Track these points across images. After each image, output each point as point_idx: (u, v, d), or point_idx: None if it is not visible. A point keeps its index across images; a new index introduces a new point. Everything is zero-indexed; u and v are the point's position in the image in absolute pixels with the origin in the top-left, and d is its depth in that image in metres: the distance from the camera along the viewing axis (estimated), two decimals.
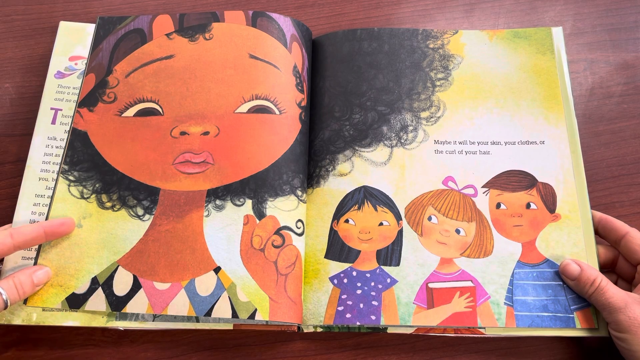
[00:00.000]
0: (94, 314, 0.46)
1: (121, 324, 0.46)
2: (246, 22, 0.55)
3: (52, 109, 0.53)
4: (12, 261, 0.47)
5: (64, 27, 0.57)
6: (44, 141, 0.52)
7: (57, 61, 0.56)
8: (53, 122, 0.53)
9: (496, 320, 0.45)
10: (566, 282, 0.46)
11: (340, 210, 0.50)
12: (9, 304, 0.42)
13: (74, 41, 0.57)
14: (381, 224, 0.49)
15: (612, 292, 0.43)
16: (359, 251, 0.48)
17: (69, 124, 0.53)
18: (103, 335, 0.48)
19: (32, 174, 0.51)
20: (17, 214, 0.49)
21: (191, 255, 0.47)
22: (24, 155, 0.52)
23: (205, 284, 0.46)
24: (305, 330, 0.47)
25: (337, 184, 0.51)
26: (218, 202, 0.49)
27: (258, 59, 0.53)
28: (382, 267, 0.48)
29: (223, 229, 0.48)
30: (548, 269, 0.47)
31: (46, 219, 0.48)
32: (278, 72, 0.53)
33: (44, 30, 0.60)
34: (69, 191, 0.50)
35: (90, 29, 0.57)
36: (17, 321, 0.46)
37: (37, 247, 0.48)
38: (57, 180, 0.50)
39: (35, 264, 0.47)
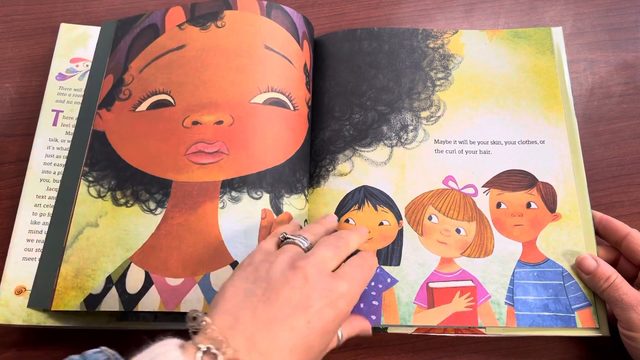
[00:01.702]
0: (95, 315, 0.46)
1: (122, 325, 0.46)
2: (260, 12, 0.53)
3: (53, 110, 0.53)
4: (13, 261, 0.47)
5: (65, 29, 0.57)
6: (46, 142, 0.52)
7: (59, 63, 0.56)
8: (54, 124, 0.53)
9: (497, 320, 0.45)
10: (580, 275, 0.46)
11: (341, 210, 0.50)
12: (341, 341, 0.41)
13: (75, 43, 0.57)
14: (381, 223, 0.49)
15: (626, 289, 0.43)
16: (359, 251, 0.48)
17: (70, 126, 0.53)
18: (103, 336, 0.48)
19: (33, 175, 0.51)
20: (18, 215, 0.49)
21: (205, 248, 0.45)
22: (25, 156, 0.52)
23: (221, 279, 0.44)
24: None
25: (337, 184, 0.51)
26: (234, 193, 0.47)
27: (274, 51, 0.52)
28: (382, 266, 0.48)
29: (240, 221, 0.46)
30: (549, 268, 0.47)
31: (70, 222, 0.48)
32: (292, 67, 0.52)
33: (44, 31, 0.60)
34: (88, 192, 0.49)
35: (92, 31, 0.57)
36: (18, 321, 0.45)
37: (41, 246, 0.47)
38: (79, 183, 0.49)
39: (59, 267, 0.46)
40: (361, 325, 0.44)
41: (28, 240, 0.48)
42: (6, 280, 0.47)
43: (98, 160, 0.50)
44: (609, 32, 0.61)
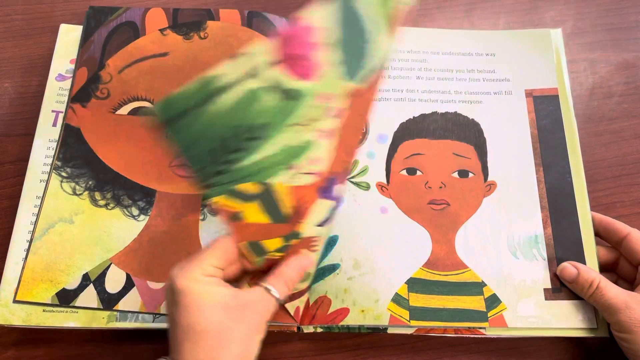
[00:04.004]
0: (95, 315, 0.46)
1: (122, 325, 0.46)
2: (241, 22, 0.54)
3: (53, 111, 0.53)
4: (13, 261, 0.47)
5: (65, 29, 0.57)
6: (45, 143, 0.52)
7: (58, 64, 0.55)
8: (54, 125, 0.53)
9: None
10: (565, 284, 0.46)
11: None
12: (280, 299, 0.38)
13: (75, 44, 0.56)
14: None
15: (613, 293, 0.42)
16: None
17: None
18: (103, 335, 0.48)
19: (33, 176, 0.51)
20: (18, 216, 0.49)
21: (187, 257, 0.47)
22: (24, 155, 0.52)
23: None
24: (305, 331, 0.47)
25: None
26: None
27: None
28: None
29: (218, 233, 0.48)
30: None
31: (38, 214, 0.48)
32: None
33: (44, 30, 0.60)
34: (61, 187, 0.50)
35: None
36: (17, 322, 0.45)
37: (27, 244, 0.48)
38: (49, 175, 0.50)
39: (26, 258, 0.47)
40: (298, 269, 0.40)
41: (28, 241, 0.48)
42: (6, 280, 0.47)
43: (73, 157, 0.51)
44: (609, 31, 0.60)
